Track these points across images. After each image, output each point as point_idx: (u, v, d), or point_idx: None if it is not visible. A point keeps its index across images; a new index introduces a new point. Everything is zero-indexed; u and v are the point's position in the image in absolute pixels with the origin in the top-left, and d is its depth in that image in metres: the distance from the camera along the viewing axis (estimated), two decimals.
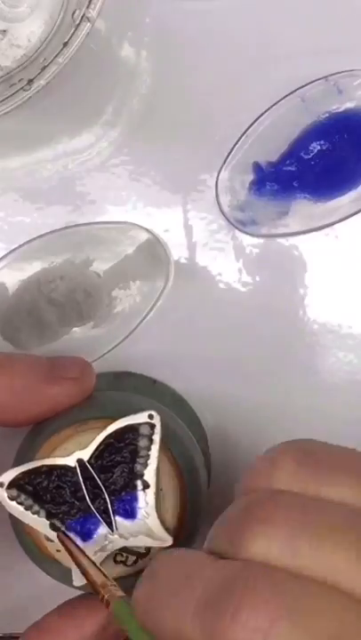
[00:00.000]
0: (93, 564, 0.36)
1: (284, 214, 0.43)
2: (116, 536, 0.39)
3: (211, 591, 0.27)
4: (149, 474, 0.38)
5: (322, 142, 0.42)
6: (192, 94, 0.44)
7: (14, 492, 0.38)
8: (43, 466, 0.38)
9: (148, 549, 0.39)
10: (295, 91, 0.42)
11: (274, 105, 0.42)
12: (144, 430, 0.38)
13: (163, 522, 0.38)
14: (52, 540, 0.39)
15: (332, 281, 0.45)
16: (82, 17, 0.37)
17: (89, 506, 0.38)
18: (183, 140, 0.45)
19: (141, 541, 0.39)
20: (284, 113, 0.42)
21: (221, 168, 0.43)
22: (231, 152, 0.43)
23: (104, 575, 0.35)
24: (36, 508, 0.39)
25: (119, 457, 0.38)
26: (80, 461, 0.38)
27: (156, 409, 0.38)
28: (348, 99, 0.42)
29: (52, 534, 0.39)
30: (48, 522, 0.39)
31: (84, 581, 0.38)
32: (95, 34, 0.40)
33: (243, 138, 0.42)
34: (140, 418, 0.38)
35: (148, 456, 0.38)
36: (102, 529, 0.39)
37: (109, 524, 0.39)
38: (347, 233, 0.45)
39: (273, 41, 0.43)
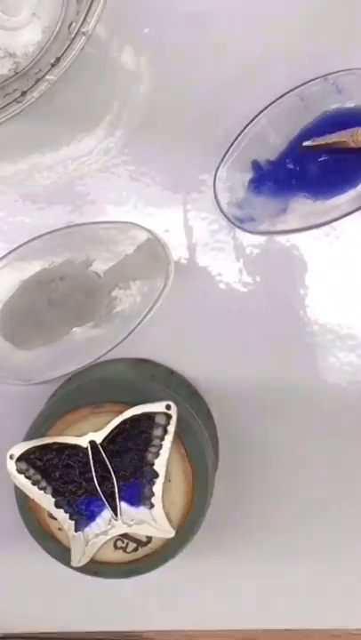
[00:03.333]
0: None
1: (282, 212, 0.43)
2: (119, 521, 0.39)
3: None
4: (160, 464, 0.38)
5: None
6: (192, 95, 0.44)
7: (23, 466, 0.39)
8: (55, 443, 0.39)
9: (150, 539, 0.39)
10: (294, 89, 0.42)
11: (273, 103, 0.42)
12: (160, 420, 0.38)
13: (167, 513, 0.39)
14: (54, 518, 0.39)
15: (332, 281, 0.45)
16: (77, 31, 0.37)
17: (96, 488, 0.39)
18: (183, 141, 0.45)
19: (144, 530, 0.39)
20: (284, 111, 0.42)
21: (220, 165, 0.43)
22: (230, 149, 0.43)
23: None
24: (44, 484, 0.39)
25: (132, 443, 0.38)
26: (92, 443, 0.39)
27: (173, 400, 0.38)
28: (348, 98, 0.42)
29: (57, 511, 0.39)
30: (53, 499, 0.39)
31: (83, 563, 0.39)
32: (96, 39, 0.40)
33: (241, 135, 0.42)
34: (158, 407, 0.38)
35: (160, 446, 0.38)
36: (106, 513, 0.39)
37: (114, 509, 0.39)
38: (347, 233, 0.45)
39: (273, 40, 0.43)
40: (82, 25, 0.38)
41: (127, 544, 0.40)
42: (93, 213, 0.45)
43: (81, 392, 0.42)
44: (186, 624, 0.48)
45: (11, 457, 0.39)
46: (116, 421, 0.38)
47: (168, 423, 0.38)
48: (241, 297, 0.45)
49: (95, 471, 0.39)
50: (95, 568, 0.40)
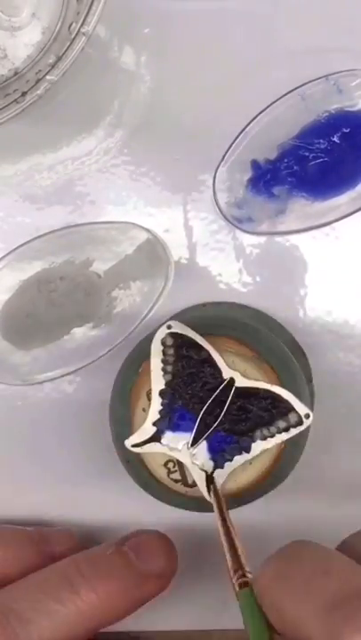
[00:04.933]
0: (237, 546, 0.35)
1: (281, 212, 0.43)
2: (188, 451, 0.38)
3: (345, 593, 0.27)
4: (257, 448, 0.38)
5: (321, 141, 0.42)
6: (192, 95, 0.44)
7: (170, 341, 0.38)
8: (206, 351, 0.38)
9: (194, 484, 0.39)
10: (295, 89, 0.42)
11: (273, 103, 0.42)
12: (293, 417, 0.38)
13: (224, 487, 0.38)
14: (148, 403, 0.39)
15: (332, 281, 0.45)
16: (77, 31, 0.38)
17: (201, 409, 0.38)
18: (183, 141, 0.45)
19: (195, 475, 0.38)
20: (284, 111, 0.42)
21: (219, 164, 0.43)
22: (230, 149, 0.43)
23: (242, 560, 0.34)
24: (169, 369, 0.38)
25: (256, 410, 0.38)
26: (231, 381, 0.38)
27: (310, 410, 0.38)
28: (348, 98, 0.42)
29: (156, 398, 0.38)
30: (165, 387, 0.38)
31: (135, 441, 0.38)
32: (96, 39, 0.40)
33: (242, 135, 0.42)
34: (300, 408, 0.38)
35: (273, 435, 0.38)
36: (187, 435, 0.38)
37: (195, 439, 0.38)
38: (347, 233, 0.45)
39: (273, 40, 0.43)
40: (82, 25, 0.38)
41: (175, 470, 0.39)
42: (93, 214, 0.45)
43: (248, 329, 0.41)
44: (186, 624, 0.48)
45: (168, 327, 0.38)
46: (263, 385, 0.38)
47: (295, 426, 0.38)
48: (241, 297, 0.45)
49: (213, 399, 0.38)
50: (146, 477, 0.39)
